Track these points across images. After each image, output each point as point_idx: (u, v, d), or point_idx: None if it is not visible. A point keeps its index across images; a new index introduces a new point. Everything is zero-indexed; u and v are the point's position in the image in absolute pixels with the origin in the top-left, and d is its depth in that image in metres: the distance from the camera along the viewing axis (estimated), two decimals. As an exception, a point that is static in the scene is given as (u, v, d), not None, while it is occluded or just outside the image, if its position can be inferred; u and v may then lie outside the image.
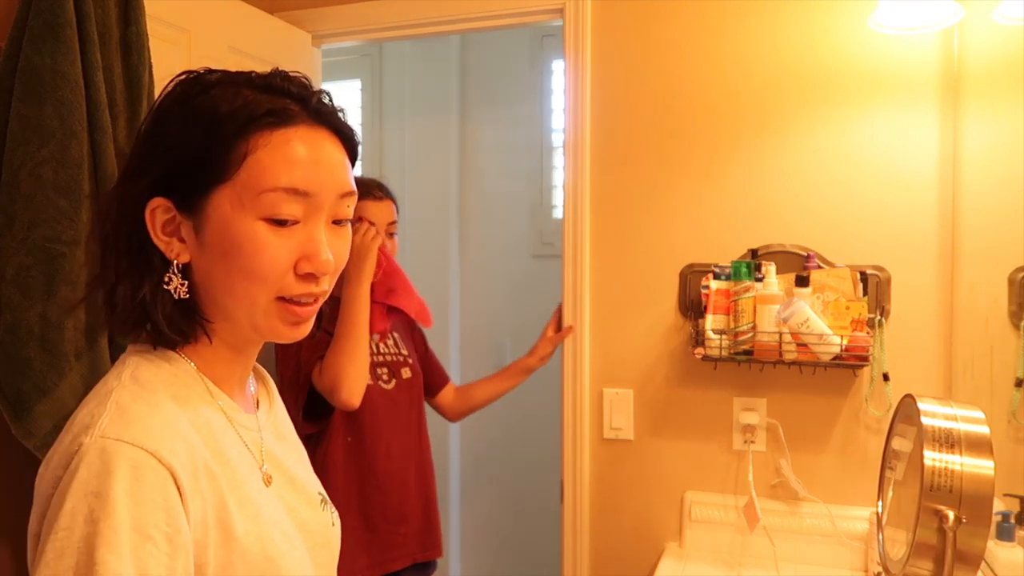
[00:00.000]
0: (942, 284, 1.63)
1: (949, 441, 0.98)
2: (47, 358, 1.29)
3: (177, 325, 0.69)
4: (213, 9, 1.75)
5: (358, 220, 1.75)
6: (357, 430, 1.71)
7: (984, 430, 0.99)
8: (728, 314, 1.65)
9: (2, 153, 1.30)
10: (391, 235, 1.79)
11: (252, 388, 0.83)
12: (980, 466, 0.95)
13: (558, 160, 2.83)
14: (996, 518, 1.33)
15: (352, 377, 1.60)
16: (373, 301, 1.71)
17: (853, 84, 1.68)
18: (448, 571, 2.93)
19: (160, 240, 0.68)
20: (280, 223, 0.67)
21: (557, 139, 2.83)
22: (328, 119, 0.70)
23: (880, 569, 1.22)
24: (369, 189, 1.77)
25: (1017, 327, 1.40)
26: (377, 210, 1.76)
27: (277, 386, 0.90)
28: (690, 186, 1.80)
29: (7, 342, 1.27)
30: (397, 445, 1.76)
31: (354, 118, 3.02)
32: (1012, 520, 1.34)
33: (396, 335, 1.88)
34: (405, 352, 1.86)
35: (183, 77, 0.71)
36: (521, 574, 2.88)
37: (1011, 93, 1.46)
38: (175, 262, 0.69)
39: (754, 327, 1.61)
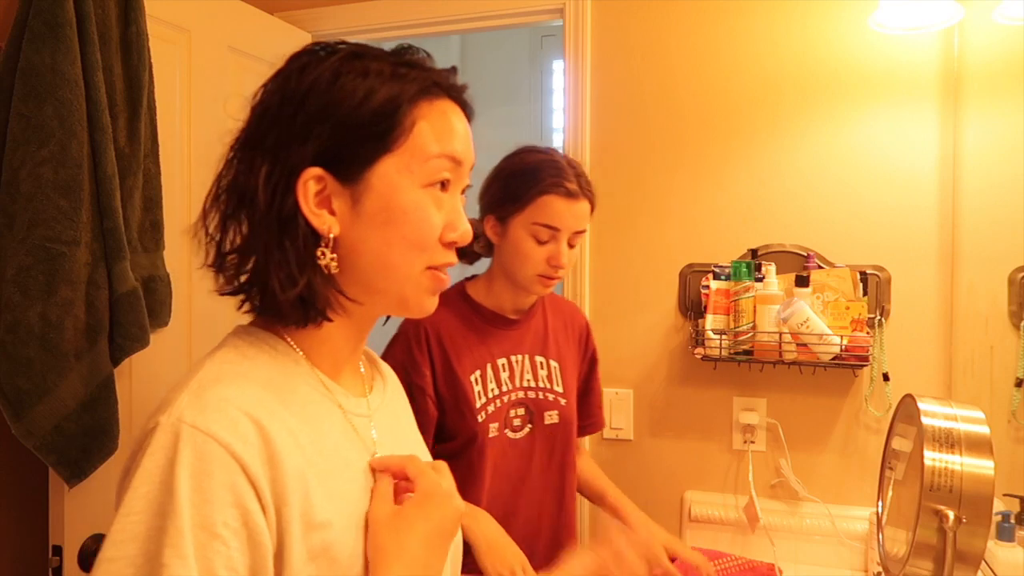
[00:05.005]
0: (942, 284, 1.63)
1: (949, 441, 0.98)
2: (47, 358, 1.29)
3: (325, 302, 0.67)
4: (213, 9, 1.75)
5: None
6: (472, 485, 1.26)
7: (984, 430, 0.99)
8: (728, 314, 1.65)
9: (2, 153, 1.30)
10: (571, 246, 1.27)
11: (362, 370, 0.80)
12: (980, 466, 0.95)
13: (558, 160, 2.83)
14: (996, 518, 1.33)
15: None
16: None
17: (853, 84, 1.68)
18: (448, 571, 2.92)
19: (313, 213, 0.66)
20: (442, 189, 0.69)
21: (557, 139, 2.83)
22: (459, 94, 0.73)
23: (880, 569, 1.22)
24: (563, 179, 1.22)
25: (1017, 327, 1.41)
26: (569, 215, 1.21)
27: None
28: (690, 186, 1.80)
29: (7, 342, 1.27)
30: (524, 504, 1.33)
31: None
32: (1012, 520, 1.35)
33: (553, 363, 1.37)
34: (561, 388, 1.37)
35: (317, 52, 0.69)
36: (521, 574, 2.88)
37: (1011, 93, 1.46)
38: (330, 235, 0.66)
39: (754, 327, 1.61)
